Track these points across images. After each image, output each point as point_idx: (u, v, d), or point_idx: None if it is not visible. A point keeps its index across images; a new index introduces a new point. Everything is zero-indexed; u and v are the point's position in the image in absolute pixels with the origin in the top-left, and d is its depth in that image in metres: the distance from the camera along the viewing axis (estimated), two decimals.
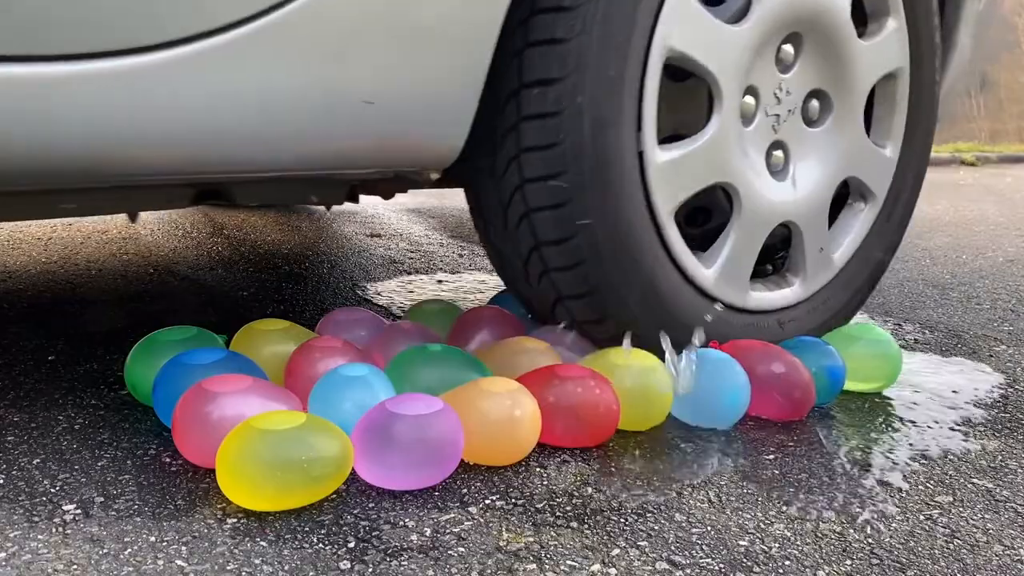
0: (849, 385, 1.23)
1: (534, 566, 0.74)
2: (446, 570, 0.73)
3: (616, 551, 0.77)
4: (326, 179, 1.12)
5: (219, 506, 0.81)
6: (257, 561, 0.72)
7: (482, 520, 0.82)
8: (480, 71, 0.99)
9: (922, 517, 0.87)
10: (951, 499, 0.91)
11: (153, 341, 1.07)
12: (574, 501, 0.86)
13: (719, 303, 1.22)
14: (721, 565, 0.76)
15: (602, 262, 1.10)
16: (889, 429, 1.11)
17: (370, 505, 0.83)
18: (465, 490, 0.88)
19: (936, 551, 0.80)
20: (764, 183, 1.23)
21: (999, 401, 1.24)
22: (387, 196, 1.44)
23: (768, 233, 1.25)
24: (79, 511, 0.79)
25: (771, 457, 1.00)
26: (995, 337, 1.62)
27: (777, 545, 0.80)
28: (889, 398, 1.23)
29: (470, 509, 0.84)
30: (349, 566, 0.72)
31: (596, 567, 0.74)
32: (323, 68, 0.89)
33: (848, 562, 0.77)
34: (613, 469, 0.94)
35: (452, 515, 0.82)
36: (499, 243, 1.21)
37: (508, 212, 1.14)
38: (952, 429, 1.12)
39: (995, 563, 0.79)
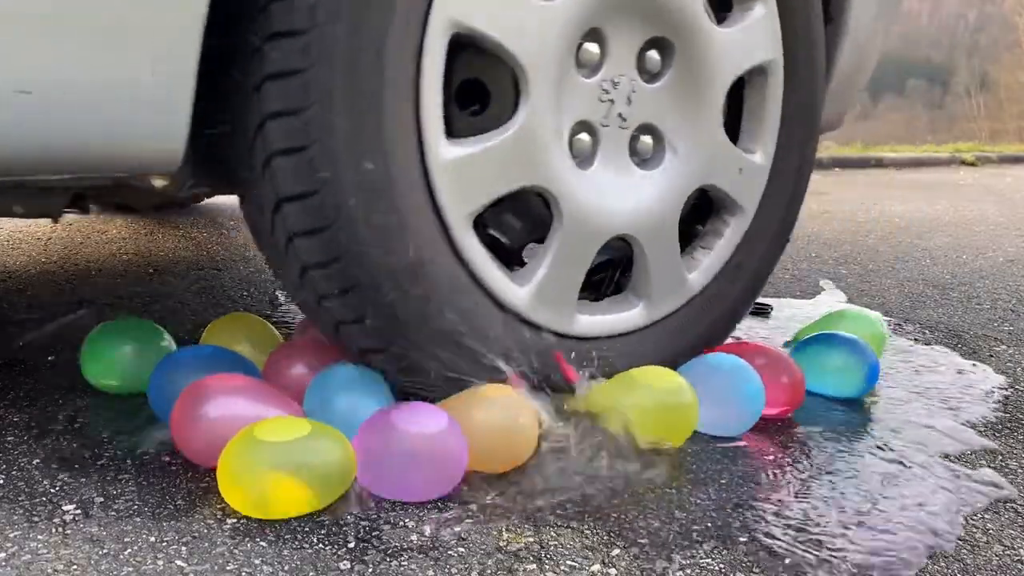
0: None
1: (534, 566, 0.74)
2: (446, 570, 0.73)
3: (616, 551, 0.77)
4: (20, 187, 0.92)
5: (219, 506, 0.81)
6: (257, 561, 0.72)
7: (482, 520, 0.82)
8: (185, 65, 0.79)
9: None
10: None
11: (104, 333, 1.09)
12: (574, 501, 0.86)
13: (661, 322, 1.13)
14: (721, 565, 0.76)
15: None
16: (889, 429, 1.11)
17: (370, 505, 0.83)
18: (465, 490, 0.88)
19: (937, 551, 0.80)
20: (647, 197, 1.08)
21: (999, 401, 1.24)
22: (157, 205, 1.23)
23: (676, 225, 1.12)
24: (79, 511, 0.79)
25: (771, 457, 1.00)
26: (995, 337, 1.62)
27: (778, 544, 0.80)
28: (889, 398, 1.23)
29: (470, 509, 0.84)
30: (349, 566, 0.72)
31: (596, 567, 0.74)
32: None
33: (849, 561, 0.77)
34: (613, 469, 0.94)
35: (452, 515, 0.82)
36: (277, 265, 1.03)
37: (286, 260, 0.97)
38: (952, 429, 1.12)
39: (995, 563, 0.79)
